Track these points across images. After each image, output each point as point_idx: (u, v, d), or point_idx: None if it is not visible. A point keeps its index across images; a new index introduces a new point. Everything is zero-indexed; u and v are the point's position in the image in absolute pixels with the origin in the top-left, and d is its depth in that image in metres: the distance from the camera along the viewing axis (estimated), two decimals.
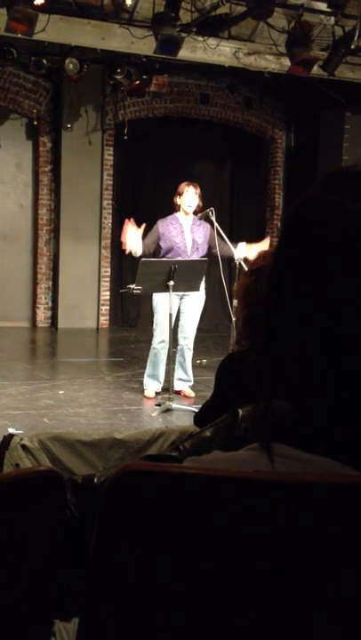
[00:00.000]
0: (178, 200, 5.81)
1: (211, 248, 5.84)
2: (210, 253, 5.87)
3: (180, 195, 5.78)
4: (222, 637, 0.74)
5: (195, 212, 5.85)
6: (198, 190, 5.79)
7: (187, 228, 5.83)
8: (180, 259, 5.65)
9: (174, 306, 5.71)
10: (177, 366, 6.03)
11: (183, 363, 6.03)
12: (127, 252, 5.66)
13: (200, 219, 6.01)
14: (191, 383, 6.11)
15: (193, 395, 6.03)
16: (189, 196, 5.74)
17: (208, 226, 5.91)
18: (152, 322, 6.02)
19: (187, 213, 5.80)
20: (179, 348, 5.98)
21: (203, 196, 5.92)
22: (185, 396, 6.04)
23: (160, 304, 5.80)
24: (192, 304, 5.91)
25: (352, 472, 0.71)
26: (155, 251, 5.81)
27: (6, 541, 0.81)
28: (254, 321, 2.10)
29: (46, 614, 0.92)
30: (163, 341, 5.86)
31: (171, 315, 5.64)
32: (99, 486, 1.26)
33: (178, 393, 6.04)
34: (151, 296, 5.87)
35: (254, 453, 0.77)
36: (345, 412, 0.73)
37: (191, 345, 6.01)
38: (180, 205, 5.81)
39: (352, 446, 0.72)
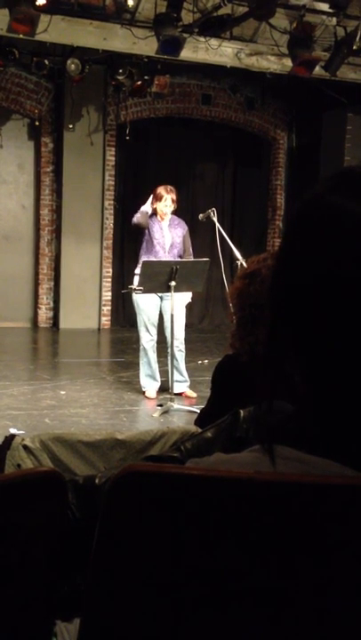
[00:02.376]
0: (155, 204, 5.85)
1: (184, 251, 5.96)
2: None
3: (159, 200, 5.82)
4: (223, 638, 0.74)
5: (174, 213, 5.97)
6: (175, 196, 5.88)
7: (165, 227, 5.93)
8: (164, 257, 5.77)
9: (157, 308, 5.85)
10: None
11: (177, 364, 6.00)
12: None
13: (202, 219, 6.02)
14: (188, 383, 6.11)
15: (195, 395, 6.03)
16: (167, 204, 5.83)
17: (185, 227, 5.98)
18: (137, 324, 6.08)
19: (162, 218, 5.89)
20: (170, 350, 5.98)
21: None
22: (187, 397, 6.03)
23: (141, 304, 5.88)
24: (175, 305, 5.89)
25: (353, 473, 0.71)
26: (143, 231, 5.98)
27: (8, 542, 0.81)
28: (248, 323, 2.14)
29: (48, 615, 0.92)
30: (151, 340, 5.94)
31: (160, 314, 5.81)
32: (100, 487, 1.26)
33: (180, 395, 6.03)
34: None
35: (256, 455, 0.77)
36: (347, 414, 0.73)
37: (182, 346, 6.01)
38: (155, 209, 5.89)
39: (354, 448, 0.72)
